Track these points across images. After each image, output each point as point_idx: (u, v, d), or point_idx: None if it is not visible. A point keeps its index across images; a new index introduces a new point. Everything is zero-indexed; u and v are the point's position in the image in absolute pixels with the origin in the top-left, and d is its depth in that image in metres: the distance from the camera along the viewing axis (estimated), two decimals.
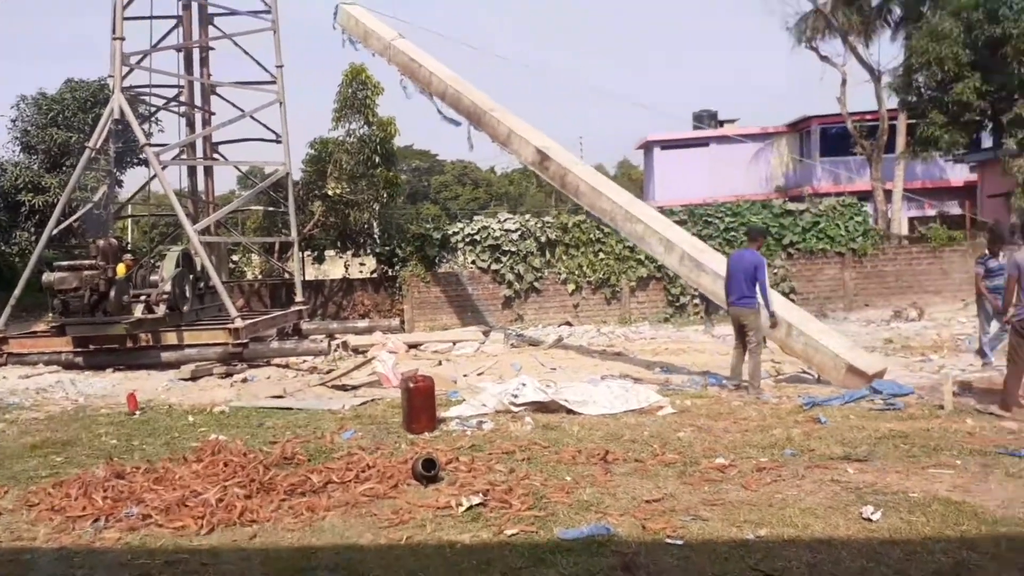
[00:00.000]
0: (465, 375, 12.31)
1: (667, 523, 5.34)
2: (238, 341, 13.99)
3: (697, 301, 18.93)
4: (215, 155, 19.38)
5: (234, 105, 18.63)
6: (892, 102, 26.75)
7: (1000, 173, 22.01)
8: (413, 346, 15.79)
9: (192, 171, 19.40)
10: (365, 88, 20.60)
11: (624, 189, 14.00)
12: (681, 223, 16.09)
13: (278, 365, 14.09)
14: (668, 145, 37.12)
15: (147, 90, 18.74)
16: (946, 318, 17.18)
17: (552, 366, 13.01)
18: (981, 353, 11.15)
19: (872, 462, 6.63)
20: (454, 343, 15.96)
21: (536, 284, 19.66)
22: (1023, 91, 20.94)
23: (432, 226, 21.61)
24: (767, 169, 36.40)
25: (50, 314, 15.07)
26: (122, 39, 15.55)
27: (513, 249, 19.67)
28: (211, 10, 18.80)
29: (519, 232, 19.74)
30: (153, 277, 14.81)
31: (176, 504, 5.94)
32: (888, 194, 27.95)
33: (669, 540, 5.07)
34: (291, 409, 9.96)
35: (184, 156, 18.82)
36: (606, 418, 8.63)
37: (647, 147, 38.92)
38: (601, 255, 19.58)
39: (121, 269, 14.03)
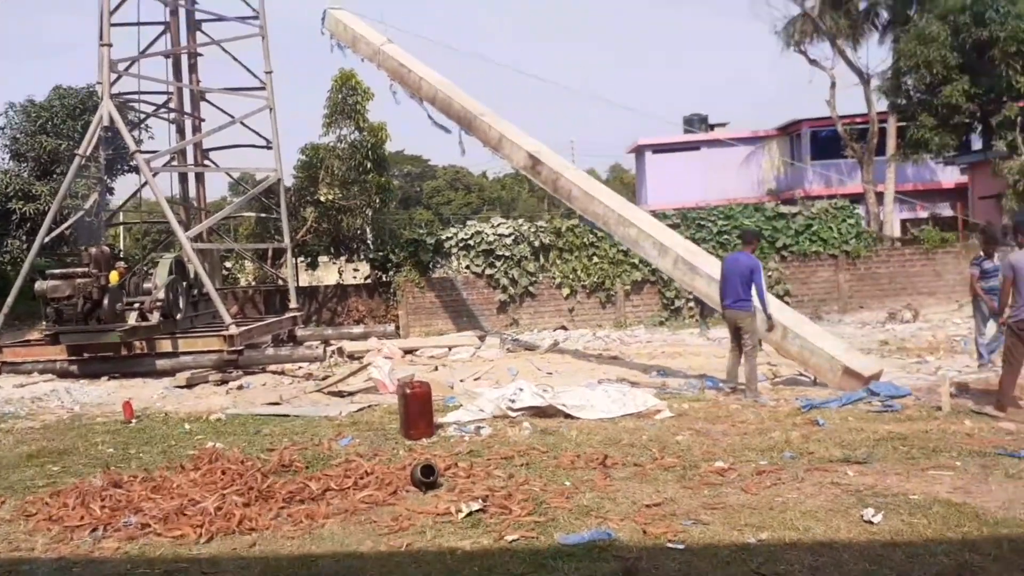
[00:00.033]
0: (462, 380, 12.29)
1: (668, 527, 5.33)
2: (233, 348, 13.93)
3: (692, 304, 18.95)
4: (206, 161, 19.30)
5: (224, 111, 18.58)
6: (882, 105, 26.90)
7: (991, 175, 22.13)
8: (409, 352, 15.74)
9: (183, 178, 19.30)
10: (355, 93, 20.59)
11: (616, 193, 14.01)
12: (674, 227, 16.07)
13: (274, 372, 14.04)
14: (659, 149, 37.24)
15: (136, 97, 18.64)
16: (941, 319, 17.25)
17: (549, 370, 12.99)
18: (978, 355, 11.17)
19: (871, 464, 6.64)
20: (450, 348, 15.90)
21: (531, 288, 19.65)
22: (1011, 93, 21.08)
23: (425, 231, 21.59)
24: (758, 172, 36.52)
25: (43, 322, 15.00)
26: (110, 45, 15.46)
27: (507, 254, 19.65)
28: (198, 16, 18.74)
29: (512, 237, 19.72)
30: (146, 284, 14.77)
31: (174, 513, 5.90)
32: (880, 196, 28.09)
33: (670, 544, 5.07)
34: (288, 416, 9.93)
35: (175, 163, 18.76)
36: (604, 422, 8.62)
37: (639, 151, 39.05)
38: (595, 259, 19.58)
39: (114, 277, 13.96)
